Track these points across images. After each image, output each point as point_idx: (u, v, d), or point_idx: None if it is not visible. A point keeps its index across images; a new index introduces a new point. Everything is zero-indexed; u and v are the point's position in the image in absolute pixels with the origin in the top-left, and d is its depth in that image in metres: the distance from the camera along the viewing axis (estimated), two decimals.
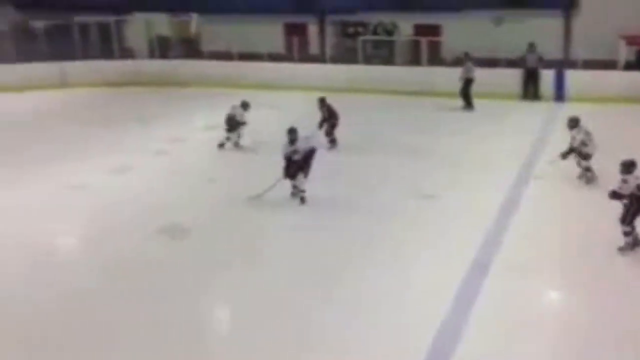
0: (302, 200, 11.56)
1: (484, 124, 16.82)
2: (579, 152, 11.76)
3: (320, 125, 14.86)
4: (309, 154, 11.58)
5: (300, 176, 11.49)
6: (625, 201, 9.07)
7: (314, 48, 24.36)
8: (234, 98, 15.57)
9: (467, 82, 18.53)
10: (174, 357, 7.32)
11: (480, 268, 9.02)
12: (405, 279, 8.85)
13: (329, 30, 24.69)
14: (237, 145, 15.03)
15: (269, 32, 23.16)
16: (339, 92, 19.55)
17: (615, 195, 9.10)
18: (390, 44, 22.60)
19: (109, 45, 23.84)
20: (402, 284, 8.67)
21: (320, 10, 24.10)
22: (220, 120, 15.15)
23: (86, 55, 23.45)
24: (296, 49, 22.82)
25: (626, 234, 9.15)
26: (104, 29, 24.01)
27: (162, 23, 24.42)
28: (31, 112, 19.44)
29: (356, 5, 22.90)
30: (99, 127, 16.96)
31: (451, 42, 21.19)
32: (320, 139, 14.22)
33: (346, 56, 22.76)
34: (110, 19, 24.06)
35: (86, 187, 12.63)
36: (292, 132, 11.47)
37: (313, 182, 11.65)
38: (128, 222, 11.09)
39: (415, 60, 21.59)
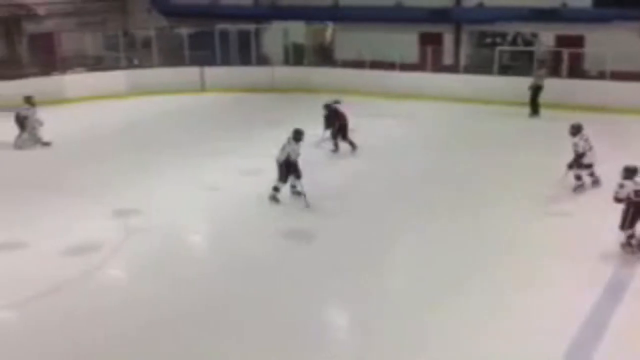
0: (301, 194, 11.86)
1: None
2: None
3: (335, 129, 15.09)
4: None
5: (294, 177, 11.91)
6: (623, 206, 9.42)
7: (448, 58, 23.94)
8: (364, 106, 15.56)
9: (536, 90, 18.45)
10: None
11: (614, 290, 8.45)
12: (535, 297, 8.46)
13: (465, 40, 24.18)
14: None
15: (403, 41, 22.97)
16: (471, 102, 19.13)
17: (616, 198, 9.49)
18: (529, 55, 21.77)
19: (247, 52, 24.64)
20: (531, 302, 8.30)
21: (457, 20, 23.68)
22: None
23: (225, 61, 24.39)
24: (430, 58, 22.52)
25: (629, 237, 9.50)
26: (243, 36, 24.83)
27: (298, 31, 24.92)
28: (171, 113, 20.40)
29: (495, 15, 22.27)
30: (233, 129, 17.52)
31: (594, 54, 20.16)
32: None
33: (481, 67, 22.16)
34: (251, 27, 24.86)
35: (217, 187, 13.06)
36: (300, 133, 11.94)
37: (439, 191, 11.41)
38: (255, 224, 11.33)
39: (555, 72, 20.66)
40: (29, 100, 16.32)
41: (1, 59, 23.52)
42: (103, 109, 20.57)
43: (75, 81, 22.21)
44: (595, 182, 12.26)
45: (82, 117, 19.60)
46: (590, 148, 11.91)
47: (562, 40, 21.50)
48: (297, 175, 11.92)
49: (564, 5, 21.24)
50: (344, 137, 15.18)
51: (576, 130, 12.00)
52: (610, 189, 9.81)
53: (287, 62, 24.93)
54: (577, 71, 20.50)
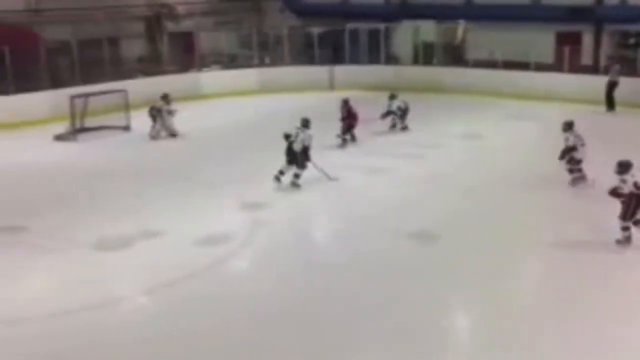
0: (295, 184, 12.82)
1: None
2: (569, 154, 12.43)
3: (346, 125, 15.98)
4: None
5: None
6: (623, 199, 9.75)
7: (586, 58, 22.83)
8: (495, 107, 15.16)
9: (611, 86, 18.95)
10: None
11: None
12: None
13: (606, 40, 22.96)
14: None
15: (538, 41, 22.11)
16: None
17: (614, 193, 9.81)
18: None
19: (376, 51, 24.64)
20: None
21: (597, 19, 22.52)
22: (478, 128, 14.85)
23: (354, 60, 24.51)
24: (567, 58, 21.56)
25: (625, 229, 9.84)
26: (373, 35, 24.86)
27: (428, 30, 24.60)
28: (300, 110, 20.65)
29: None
30: (358, 128, 17.52)
31: None
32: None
33: (623, 68, 20.95)
34: (381, 25, 24.83)
35: (343, 185, 13.15)
36: (308, 121, 12.96)
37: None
38: (382, 222, 11.29)
39: None
40: (165, 99, 17.19)
41: (143, 57, 24.85)
42: (235, 105, 21.27)
43: (210, 78, 23.12)
44: (582, 178, 12.64)
45: (215, 112, 20.37)
46: (583, 144, 12.34)
47: None
48: (303, 165, 12.82)
49: None
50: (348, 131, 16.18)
51: (567, 126, 12.55)
52: None
53: (416, 61, 24.70)
54: None
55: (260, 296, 8.77)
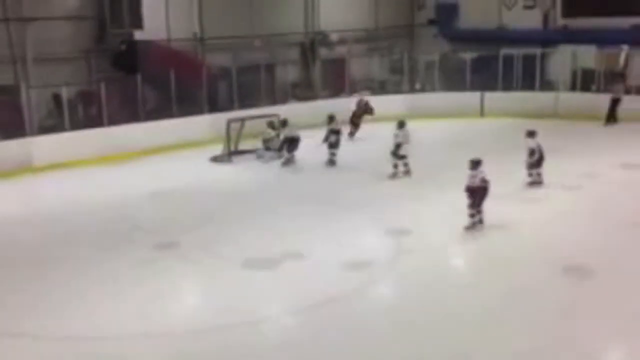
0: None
1: None
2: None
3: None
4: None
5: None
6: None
7: None
8: None
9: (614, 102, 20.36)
10: None
11: None
12: None
13: None
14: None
15: None
16: None
17: (469, 189, 11.65)
18: None
19: (530, 77, 23.86)
20: None
21: None
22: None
23: (507, 86, 23.88)
24: None
25: (471, 215, 11.77)
26: (528, 60, 24.10)
27: (588, 55, 23.46)
28: (447, 136, 20.51)
29: None
30: (503, 155, 16.96)
31: None
32: None
33: None
34: (537, 50, 24.04)
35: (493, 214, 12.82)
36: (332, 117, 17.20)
37: None
38: (528, 251, 10.96)
39: None
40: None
41: (297, 82, 25.68)
42: (382, 130, 21.29)
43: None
44: (538, 182, 14.46)
45: (360, 136, 20.53)
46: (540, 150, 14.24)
47: None
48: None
49: None
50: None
51: (531, 134, 14.51)
52: None
53: (573, 87, 23.63)
54: None
55: (398, 327, 8.69)
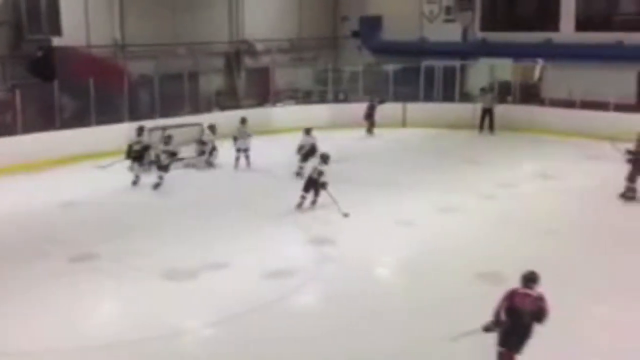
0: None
1: None
2: None
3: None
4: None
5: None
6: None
7: None
8: (567, 146, 14.79)
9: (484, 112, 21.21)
10: None
11: None
12: None
13: None
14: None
15: (618, 81, 21.47)
16: None
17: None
18: None
19: (451, 89, 24.50)
20: None
21: None
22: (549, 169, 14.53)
23: (428, 97, 24.43)
24: None
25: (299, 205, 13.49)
26: (448, 72, 24.74)
27: (504, 68, 24.33)
28: (371, 147, 20.81)
29: None
30: (429, 166, 17.43)
31: None
32: None
33: None
34: (456, 63, 24.70)
35: (411, 222, 13.05)
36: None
37: None
38: (449, 262, 11.11)
39: None
40: (212, 129, 18.06)
41: (222, 91, 25.51)
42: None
43: (282, 113, 23.54)
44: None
45: (284, 145, 20.53)
46: None
47: None
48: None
49: None
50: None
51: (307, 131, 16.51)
52: None
53: None
54: None
55: (322, 335, 8.71)
